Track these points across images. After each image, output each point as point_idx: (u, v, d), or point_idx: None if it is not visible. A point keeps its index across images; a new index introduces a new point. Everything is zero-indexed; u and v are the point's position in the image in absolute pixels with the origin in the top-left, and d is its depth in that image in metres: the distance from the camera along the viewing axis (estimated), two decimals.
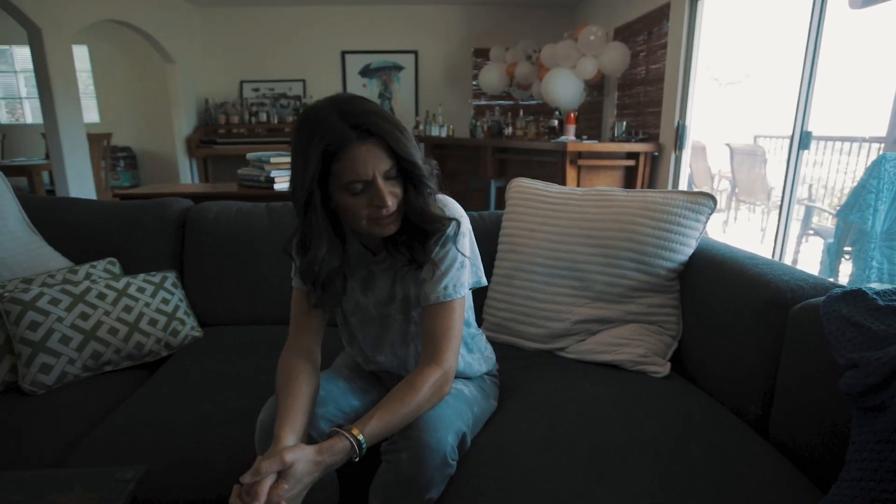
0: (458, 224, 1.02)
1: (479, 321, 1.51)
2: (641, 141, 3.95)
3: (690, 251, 1.40)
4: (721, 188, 5.37)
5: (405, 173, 0.93)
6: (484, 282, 1.17)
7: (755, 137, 5.40)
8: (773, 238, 2.98)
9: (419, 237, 1.01)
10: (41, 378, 1.31)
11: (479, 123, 5.13)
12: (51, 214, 1.74)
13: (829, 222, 3.86)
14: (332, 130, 0.87)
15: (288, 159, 1.89)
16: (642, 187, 3.93)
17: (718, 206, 1.55)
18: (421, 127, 5.38)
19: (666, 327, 1.39)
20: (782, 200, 2.85)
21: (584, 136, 4.32)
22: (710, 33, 3.61)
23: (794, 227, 3.22)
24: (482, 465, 1.00)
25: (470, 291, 1.15)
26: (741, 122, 5.92)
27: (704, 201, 1.38)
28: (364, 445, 0.88)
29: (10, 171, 4.72)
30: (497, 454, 1.03)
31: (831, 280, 1.65)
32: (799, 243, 3.69)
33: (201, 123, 6.13)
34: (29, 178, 4.84)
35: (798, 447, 0.99)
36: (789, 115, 2.75)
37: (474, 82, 6.08)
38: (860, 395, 0.76)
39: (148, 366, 1.52)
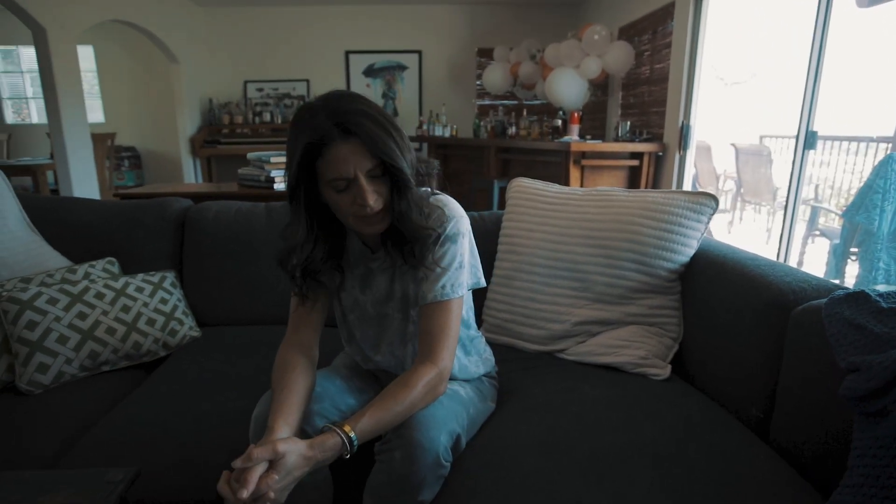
0: (458, 224, 1.02)
1: (479, 322, 1.49)
2: (646, 141, 3.94)
3: (692, 252, 1.38)
4: (726, 188, 5.34)
5: (391, 175, 0.92)
6: (483, 283, 1.16)
7: (761, 137, 5.36)
8: (779, 239, 2.95)
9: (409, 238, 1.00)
10: (38, 378, 1.31)
11: (482, 123, 5.10)
12: (52, 214, 1.74)
13: (835, 223, 3.82)
14: (317, 127, 0.88)
15: None
16: (646, 187, 3.91)
17: (723, 207, 1.54)
18: (424, 127, 5.37)
19: (666, 329, 1.38)
20: (787, 201, 2.82)
21: (588, 136, 4.30)
22: (716, 32, 3.58)
23: (800, 228, 3.19)
24: (479, 468, 0.99)
25: (469, 292, 1.14)
26: (747, 122, 5.87)
27: (706, 202, 1.36)
28: (355, 442, 0.87)
29: (15, 171, 4.75)
30: (495, 456, 1.01)
31: (834, 281, 1.63)
32: (805, 244, 3.66)
33: (205, 123, 6.16)
34: (33, 178, 4.86)
35: (799, 451, 0.97)
36: (795, 115, 2.73)
37: (478, 82, 6.07)
38: (862, 400, 0.74)
39: (146, 366, 1.52)
